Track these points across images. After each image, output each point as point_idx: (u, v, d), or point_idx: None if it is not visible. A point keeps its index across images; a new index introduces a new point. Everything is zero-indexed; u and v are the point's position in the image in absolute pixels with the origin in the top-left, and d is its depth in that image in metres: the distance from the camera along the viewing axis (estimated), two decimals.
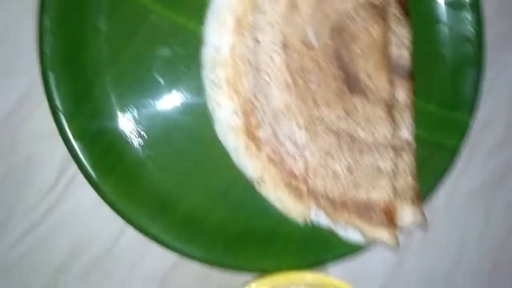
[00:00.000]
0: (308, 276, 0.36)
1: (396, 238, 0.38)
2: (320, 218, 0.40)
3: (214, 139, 0.39)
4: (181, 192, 0.38)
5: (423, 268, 0.44)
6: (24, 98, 0.37)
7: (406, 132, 0.40)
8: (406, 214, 0.38)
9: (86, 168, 0.35)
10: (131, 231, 0.39)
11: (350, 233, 0.40)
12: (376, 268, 0.43)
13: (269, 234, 0.40)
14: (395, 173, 0.39)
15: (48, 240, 0.38)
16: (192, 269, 0.40)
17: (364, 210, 0.38)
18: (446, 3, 0.42)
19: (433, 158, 0.41)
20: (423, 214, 0.39)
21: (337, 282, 0.36)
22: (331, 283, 0.36)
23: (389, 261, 0.43)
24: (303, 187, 0.40)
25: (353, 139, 0.39)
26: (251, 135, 0.39)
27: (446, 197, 0.44)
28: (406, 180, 0.39)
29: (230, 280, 0.39)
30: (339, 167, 0.39)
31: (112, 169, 0.36)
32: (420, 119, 0.41)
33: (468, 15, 0.41)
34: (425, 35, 0.41)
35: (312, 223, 0.40)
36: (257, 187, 0.39)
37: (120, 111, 0.37)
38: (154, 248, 0.39)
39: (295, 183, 0.39)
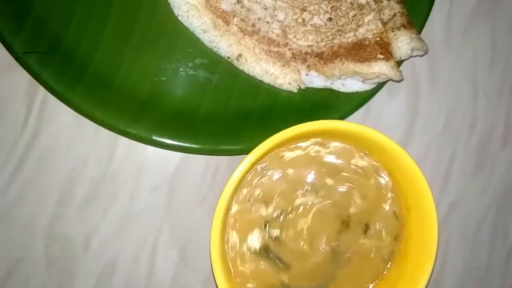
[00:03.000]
0: (316, 125, 0.32)
1: (396, 66, 0.34)
2: (314, 78, 0.37)
3: (177, 27, 0.36)
4: (159, 90, 0.36)
5: (439, 106, 0.40)
6: None
7: None
8: (402, 41, 0.35)
9: (50, 83, 0.33)
10: (123, 143, 0.36)
11: (349, 84, 0.36)
12: (393, 120, 0.39)
13: (265, 112, 0.37)
14: (378, 6, 0.36)
15: (41, 173, 0.35)
16: (195, 167, 0.37)
17: (356, 50, 0.35)
18: None
19: None
20: (419, 37, 0.35)
21: (349, 125, 0.32)
22: (341, 129, 0.33)
23: (403, 110, 0.40)
24: (286, 51, 0.36)
25: None
26: (214, 9, 0.36)
27: (443, 24, 0.40)
28: (393, 8, 0.36)
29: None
30: (319, 19, 0.36)
31: (79, 77, 0.34)
32: None
33: None
34: None
35: (306, 87, 0.37)
36: (236, 64, 0.36)
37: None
38: (152, 156, 0.37)
39: (276, 49, 0.36)
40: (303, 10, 0.36)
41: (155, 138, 0.34)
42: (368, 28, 0.35)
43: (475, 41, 0.41)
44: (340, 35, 0.36)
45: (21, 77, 0.35)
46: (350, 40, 0.35)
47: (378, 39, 0.34)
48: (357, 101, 0.36)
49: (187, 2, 0.35)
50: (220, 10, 0.36)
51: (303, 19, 0.36)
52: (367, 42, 0.34)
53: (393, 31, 0.35)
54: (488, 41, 0.41)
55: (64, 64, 0.34)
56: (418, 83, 0.40)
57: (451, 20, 0.40)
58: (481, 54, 0.41)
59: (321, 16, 0.36)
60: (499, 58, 0.41)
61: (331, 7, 0.36)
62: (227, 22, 0.36)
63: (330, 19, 0.36)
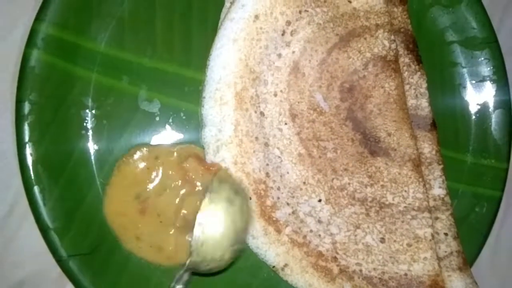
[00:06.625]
0: None
1: None
2: None
3: None
4: None
5: None
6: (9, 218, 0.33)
7: (439, 189, 0.36)
8: (456, 286, 0.33)
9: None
10: None
11: None
12: None
13: None
14: (435, 239, 0.35)
15: None
16: None
17: (407, 287, 0.34)
18: (459, 43, 0.38)
19: (473, 212, 0.37)
20: (473, 282, 0.34)
21: None
22: None
23: None
24: (334, 267, 0.35)
25: (382, 206, 0.35)
26: (268, 217, 0.35)
27: (490, 252, 0.39)
28: (449, 245, 0.35)
29: None
30: (371, 239, 0.35)
31: (118, 277, 0.32)
32: (451, 170, 0.37)
33: (484, 53, 0.38)
34: (442, 80, 0.38)
35: None
36: (281, 273, 0.35)
37: None
38: None
39: (324, 264, 0.35)
40: (357, 227, 0.35)
41: None
42: (424, 267, 0.33)
43: None
44: (393, 263, 0.34)
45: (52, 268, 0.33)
46: (403, 273, 0.34)
47: (433, 281, 0.33)
48: None
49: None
50: (274, 218, 0.34)
51: (355, 236, 0.35)
52: (420, 284, 0.33)
53: (447, 271, 0.34)
54: None
55: (104, 264, 0.32)
56: None
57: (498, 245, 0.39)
58: None
59: (374, 236, 0.35)
60: None
61: (385, 229, 0.35)
62: (278, 231, 0.35)
63: (382, 239, 0.35)
